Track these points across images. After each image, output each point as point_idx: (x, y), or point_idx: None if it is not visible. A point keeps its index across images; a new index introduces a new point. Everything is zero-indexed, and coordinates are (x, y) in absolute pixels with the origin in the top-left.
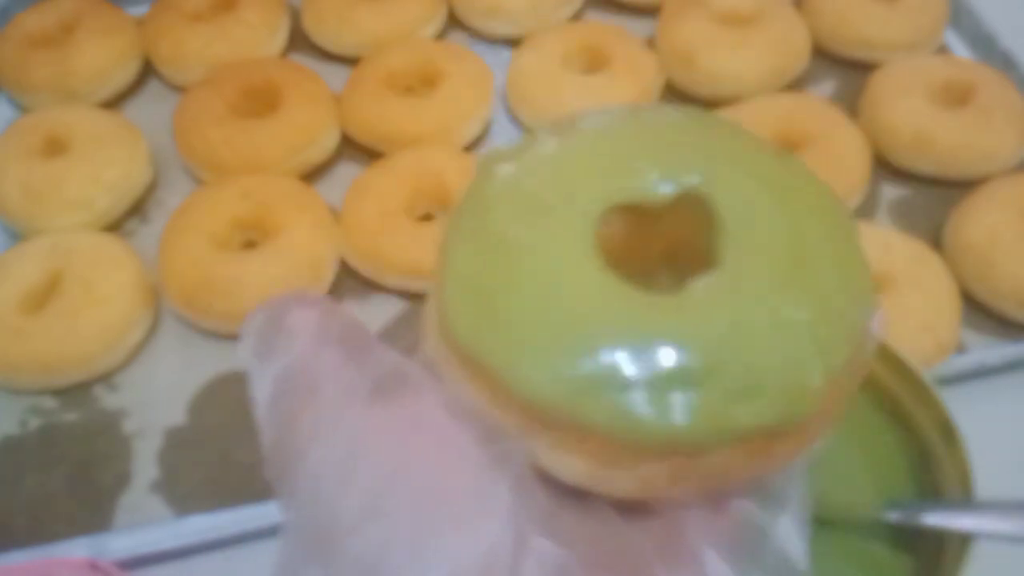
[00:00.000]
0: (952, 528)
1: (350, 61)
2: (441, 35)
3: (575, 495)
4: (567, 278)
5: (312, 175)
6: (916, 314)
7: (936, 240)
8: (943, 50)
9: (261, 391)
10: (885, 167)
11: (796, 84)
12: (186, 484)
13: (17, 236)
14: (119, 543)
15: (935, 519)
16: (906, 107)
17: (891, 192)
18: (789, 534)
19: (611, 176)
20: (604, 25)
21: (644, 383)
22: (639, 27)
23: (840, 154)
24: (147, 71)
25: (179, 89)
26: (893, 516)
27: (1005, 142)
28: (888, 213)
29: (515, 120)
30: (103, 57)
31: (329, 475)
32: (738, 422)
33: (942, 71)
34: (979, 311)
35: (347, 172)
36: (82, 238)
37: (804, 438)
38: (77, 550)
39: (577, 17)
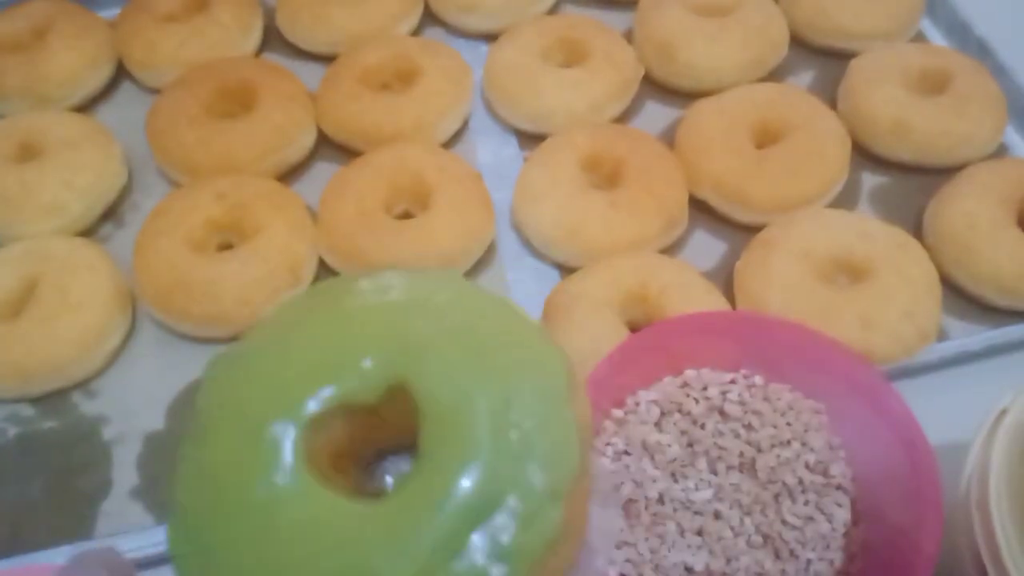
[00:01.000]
0: None
1: (325, 59)
2: (417, 31)
3: None
4: (279, 511)
5: (289, 175)
6: (897, 301)
7: (916, 227)
8: (919, 38)
9: None
10: (864, 155)
11: (775, 74)
12: (166, 490)
13: None
14: None
15: None
16: (884, 95)
17: (871, 180)
18: None
19: (317, 379)
20: (582, 18)
21: None
22: (617, 20)
23: (820, 143)
24: (120, 74)
25: (153, 91)
26: None
27: (982, 129)
28: (868, 201)
29: (493, 115)
30: (75, 61)
31: None
32: None
33: (919, 59)
34: (959, 297)
35: (324, 171)
36: (57, 244)
37: None
38: (59, 558)
39: (554, 11)
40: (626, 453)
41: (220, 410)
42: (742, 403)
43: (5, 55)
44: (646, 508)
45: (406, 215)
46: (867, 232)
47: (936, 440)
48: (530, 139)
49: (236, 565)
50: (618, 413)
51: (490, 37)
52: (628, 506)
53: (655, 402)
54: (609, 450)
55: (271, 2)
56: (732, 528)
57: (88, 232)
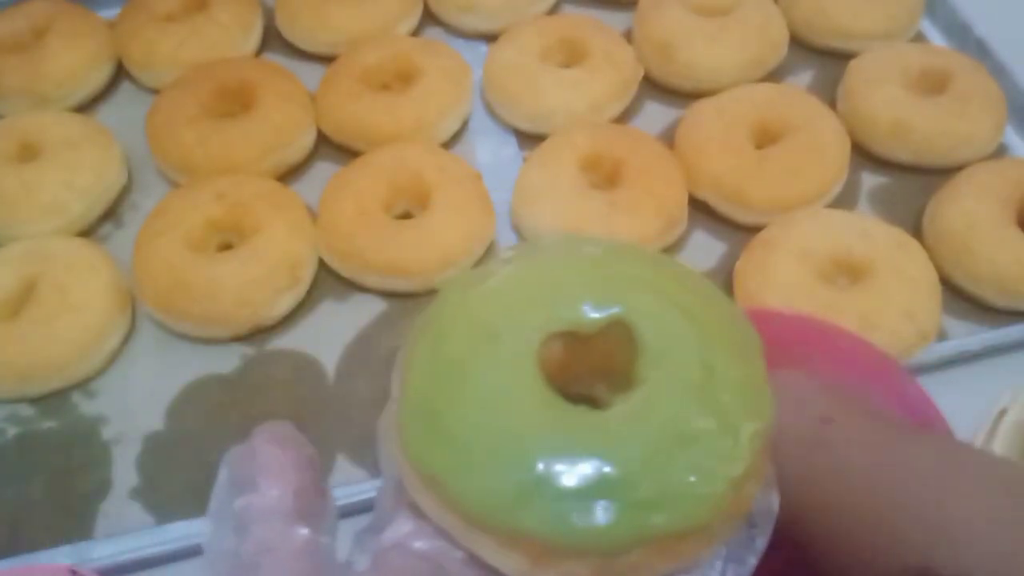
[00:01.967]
0: None
1: (325, 59)
2: (416, 32)
3: None
4: (507, 401)
5: (288, 175)
6: (897, 301)
7: (915, 227)
8: (919, 39)
9: (218, 539)
10: (864, 156)
11: (774, 75)
12: (166, 490)
13: None
14: (100, 551)
15: None
16: (883, 96)
17: (870, 180)
18: None
19: (550, 306)
20: (581, 18)
21: (569, 494)
22: (616, 20)
23: (820, 143)
24: (120, 74)
25: (152, 91)
26: None
27: (981, 129)
28: (868, 201)
29: (493, 115)
30: (75, 61)
31: None
32: (651, 527)
33: (918, 59)
34: (958, 297)
35: (324, 171)
36: (56, 244)
37: (710, 538)
38: (58, 558)
39: (554, 11)
40: None
41: (456, 318)
42: None
43: (5, 55)
44: None
45: (406, 215)
46: (867, 232)
47: None
48: (530, 139)
49: (462, 440)
50: None
51: (490, 37)
52: None
53: None
54: None
55: (271, 2)
56: None
57: (88, 232)
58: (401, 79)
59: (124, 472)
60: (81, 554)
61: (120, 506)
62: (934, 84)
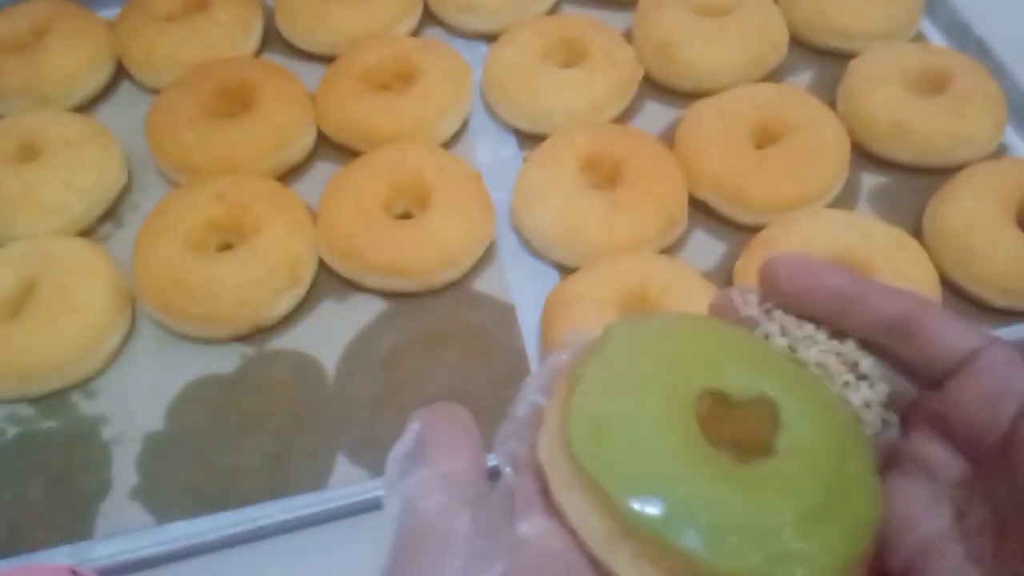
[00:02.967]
0: None
1: (325, 59)
2: (416, 32)
3: None
4: (671, 426)
5: (288, 175)
6: None
7: (915, 227)
8: (919, 39)
9: (390, 504)
10: (864, 156)
11: (774, 75)
12: (166, 490)
13: None
14: (100, 551)
15: None
16: (883, 96)
17: (871, 180)
18: None
19: (711, 367)
20: (581, 18)
21: (728, 527)
22: (617, 20)
23: (820, 143)
24: (120, 74)
25: (152, 91)
26: None
27: (981, 129)
28: (868, 201)
29: (493, 115)
30: (75, 61)
31: None
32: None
33: (918, 59)
34: (958, 297)
35: (324, 171)
36: (57, 244)
37: None
38: (58, 558)
39: (554, 11)
40: None
41: (633, 350)
42: None
43: (5, 55)
44: None
45: (406, 215)
46: (867, 232)
47: None
48: (530, 139)
49: (630, 453)
50: None
51: (490, 37)
52: None
53: None
54: None
55: (271, 2)
56: None
57: (88, 232)
58: (401, 79)
59: (124, 472)
60: (81, 554)
61: (120, 506)
62: (934, 84)
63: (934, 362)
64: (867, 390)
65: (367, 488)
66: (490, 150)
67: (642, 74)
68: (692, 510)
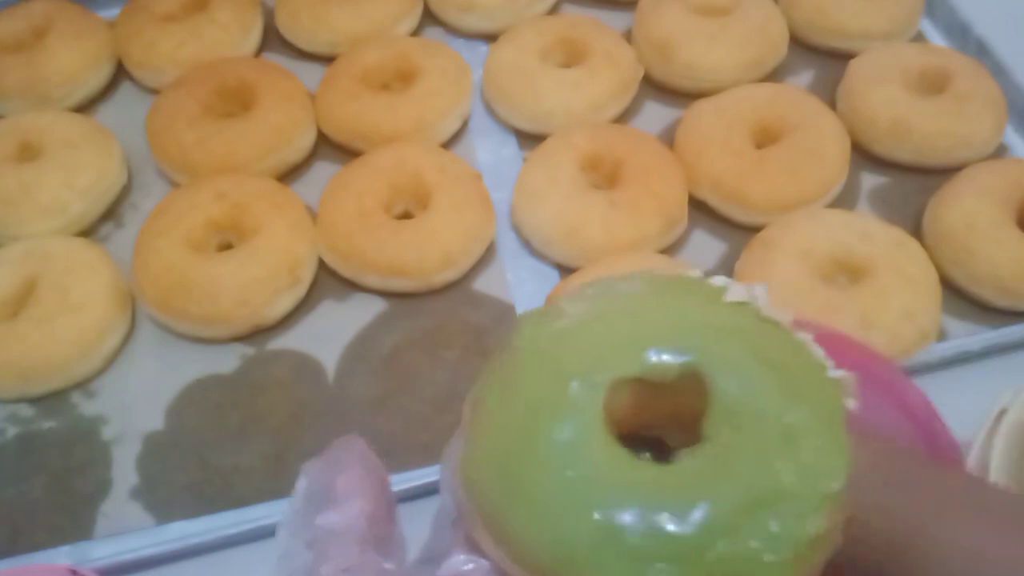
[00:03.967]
0: None
1: (325, 59)
2: (416, 32)
3: None
4: (574, 454)
5: (288, 175)
6: (897, 302)
7: (916, 227)
8: (919, 38)
9: (292, 553)
10: (864, 156)
11: (774, 74)
12: (166, 490)
13: None
14: (100, 551)
15: None
16: (883, 96)
17: (870, 180)
18: None
19: (620, 352)
20: (581, 18)
21: (637, 554)
22: (616, 20)
23: (819, 143)
24: (120, 74)
25: (152, 91)
26: None
27: (981, 129)
28: (868, 201)
29: (493, 115)
30: (75, 61)
31: None
32: None
33: (918, 59)
34: (958, 297)
35: (323, 171)
36: (56, 244)
37: None
38: (58, 558)
39: (554, 11)
40: None
41: (527, 362)
42: None
43: (5, 55)
44: None
45: (406, 215)
46: (867, 232)
47: None
48: (529, 139)
49: (526, 489)
50: None
51: (490, 37)
52: None
53: None
54: None
55: (271, 2)
56: None
57: (88, 232)
58: (401, 79)
59: (124, 472)
60: (81, 554)
61: (120, 506)
62: (934, 84)
63: None
64: None
65: None
66: (490, 150)
67: (642, 74)
68: (602, 547)
